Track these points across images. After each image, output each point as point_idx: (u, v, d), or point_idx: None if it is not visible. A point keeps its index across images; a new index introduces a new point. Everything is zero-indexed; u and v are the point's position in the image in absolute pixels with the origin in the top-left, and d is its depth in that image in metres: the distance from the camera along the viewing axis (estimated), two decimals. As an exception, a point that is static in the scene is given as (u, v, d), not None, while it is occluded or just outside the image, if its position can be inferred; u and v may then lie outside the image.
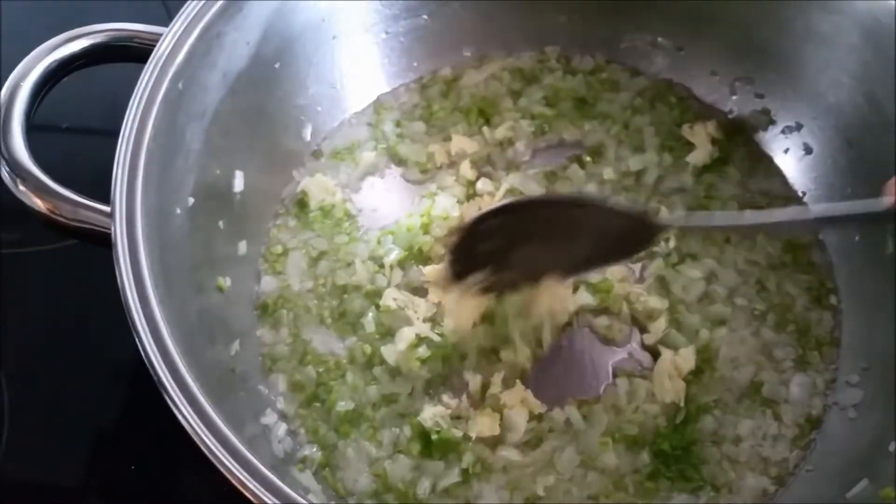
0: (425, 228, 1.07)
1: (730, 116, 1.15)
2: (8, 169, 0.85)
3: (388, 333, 1.00)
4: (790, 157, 1.11)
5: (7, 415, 1.01)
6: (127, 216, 0.79)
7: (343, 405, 0.96)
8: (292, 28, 1.04)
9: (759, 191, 1.10)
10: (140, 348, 0.73)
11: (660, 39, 1.17)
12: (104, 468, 1.00)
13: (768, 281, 1.03)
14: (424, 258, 1.05)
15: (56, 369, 1.05)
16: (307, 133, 1.13)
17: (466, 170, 1.12)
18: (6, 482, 0.98)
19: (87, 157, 1.17)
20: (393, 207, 1.11)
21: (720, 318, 1.01)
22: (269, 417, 0.94)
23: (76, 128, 1.23)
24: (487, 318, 0.98)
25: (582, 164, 1.12)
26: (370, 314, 1.01)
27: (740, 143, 1.13)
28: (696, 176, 1.11)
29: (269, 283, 1.05)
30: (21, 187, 0.85)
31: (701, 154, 1.11)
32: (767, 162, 1.12)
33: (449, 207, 1.08)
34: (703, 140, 1.11)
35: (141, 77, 0.87)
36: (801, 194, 1.10)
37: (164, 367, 0.72)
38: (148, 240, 0.79)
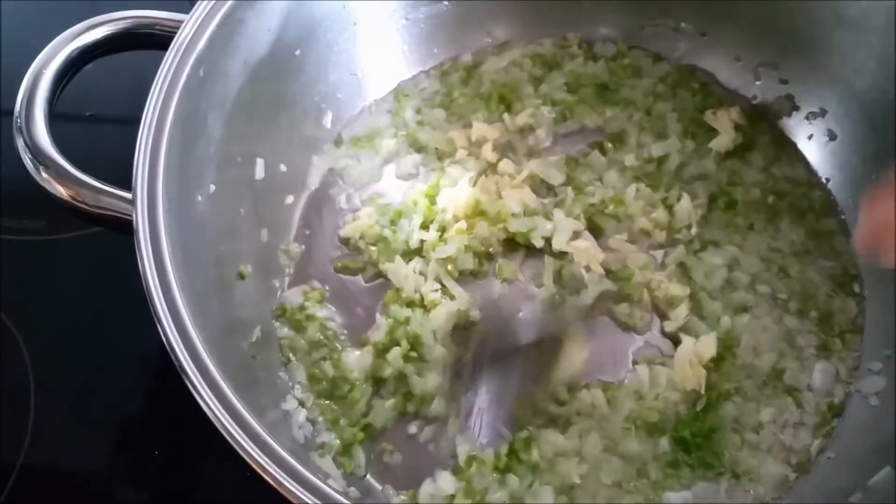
0: (431, 200, 1.07)
1: (753, 102, 1.14)
2: (31, 156, 0.85)
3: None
4: (814, 144, 1.10)
5: (33, 401, 1.02)
6: (148, 203, 0.80)
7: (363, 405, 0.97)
8: (313, 14, 1.04)
9: (783, 177, 1.09)
10: (162, 335, 0.73)
11: (682, 24, 1.15)
12: (128, 454, 1.01)
13: (791, 268, 1.02)
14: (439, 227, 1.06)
15: (81, 356, 1.06)
16: (328, 120, 1.13)
17: (488, 152, 1.11)
18: (32, 468, 0.99)
19: (110, 145, 1.17)
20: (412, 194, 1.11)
21: (742, 306, 1.00)
22: (290, 403, 0.95)
23: (99, 116, 1.23)
24: None
25: (603, 151, 1.12)
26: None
27: (764, 129, 1.12)
28: (719, 162, 1.09)
29: (294, 294, 1.04)
30: (44, 174, 0.85)
31: (724, 140, 1.09)
32: (791, 148, 1.11)
33: (457, 177, 1.08)
34: (726, 126, 1.10)
35: (162, 64, 0.87)
36: (825, 181, 1.08)
37: (185, 353, 0.72)
38: (169, 227, 0.80)
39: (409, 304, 1.01)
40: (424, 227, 1.06)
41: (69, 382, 1.05)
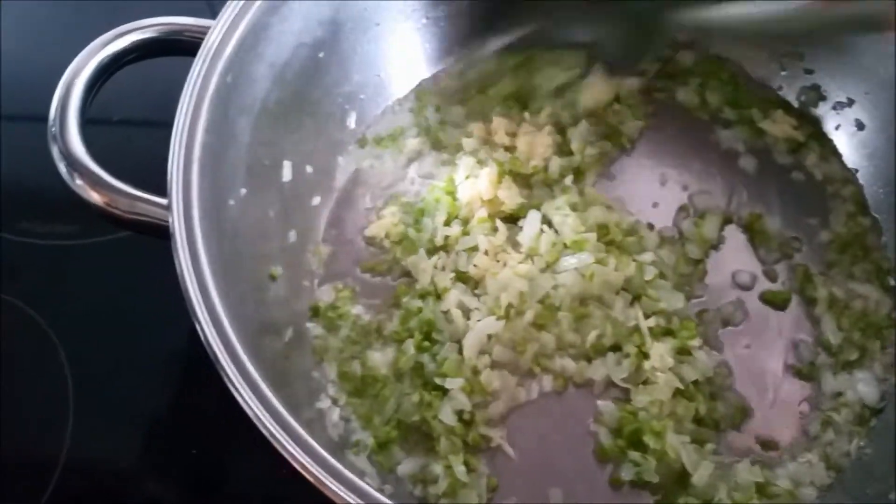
0: (452, 195, 1.07)
1: (779, 93, 1.13)
2: (65, 164, 0.86)
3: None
4: (842, 134, 1.09)
5: (72, 402, 1.04)
6: (184, 208, 0.81)
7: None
8: (336, 17, 1.05)
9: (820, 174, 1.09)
10: (202, 338, 0.74)
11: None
12: (163, 451, 1.03)
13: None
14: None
15: (116, 356, 1.08)
16: (351, 121, 1.14)
17: (502, 137, 1.12)
18: (74, 465, 1.01)
19: (136, 149, 1.19)
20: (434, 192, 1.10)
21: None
22: (323, 402, 0.96)
23: (126, 120, 1.25)
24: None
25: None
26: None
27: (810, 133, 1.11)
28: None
29: (325, 293, 1.05)
30: (78, 181, 0.86)
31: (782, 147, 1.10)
32: (826, 142, 1.10)
33: (471, 166, 1.09)
34: (784, 131, 1.10)
35: (191, 71, 0.88)
36: (854, 171, 1.08)
37: (226, 356, 0.73)
38: (205, 231, 0.81)
39: (423, 295, 1.02)
40: (447, 223, 1.06)
41: (105, 382, 1.06)
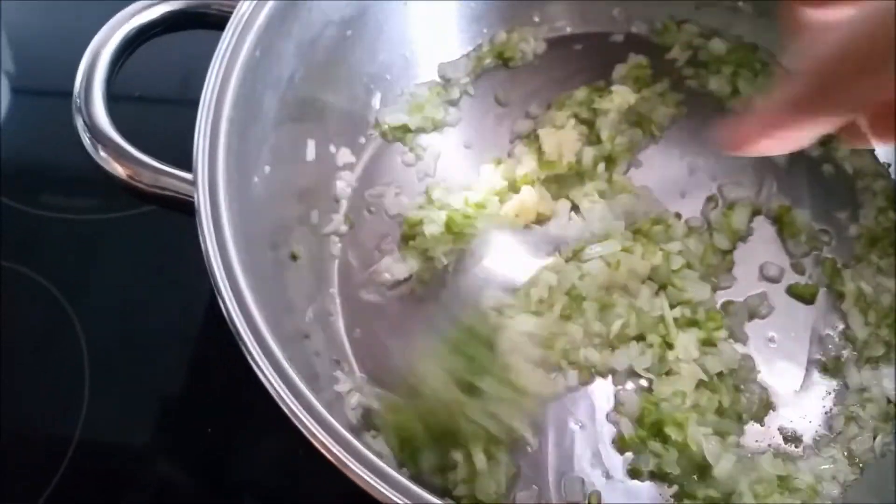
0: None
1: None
2: (89, 135, 0.86)
3: None
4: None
5: (88, 378, 1.04)
6: (209, 184, 0.80)
7: None
8: (365, -6, 1.04)
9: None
10: (225, 314, 0.73)
11: (740, 4, 1.13)
12: (177, 431, 1.03)
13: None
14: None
15: (134, 333, 1.08)
16: (376, 101, 1.13)
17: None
18: (89, 443, 1.01)
19: (158, 126, 1.18)
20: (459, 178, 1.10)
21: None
22: (343, 385, 0.95)
23: (147, 97, 1.24)
24: None
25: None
26: None
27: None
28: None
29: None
30: (102, 153, 0.86)
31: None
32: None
33: (490, 173, 1.08)
34: None
35: (219, 44, 0.87)
36: (887, 165, 1.06)
37: (248, 333, 0.72)
38: (230, 208, 0.80)
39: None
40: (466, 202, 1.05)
41: (122, 359, 1.06)
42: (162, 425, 1.02)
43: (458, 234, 1.01)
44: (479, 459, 0.88)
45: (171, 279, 1.10)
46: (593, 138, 1.09)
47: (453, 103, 1.16)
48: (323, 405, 0.72)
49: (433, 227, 1.02)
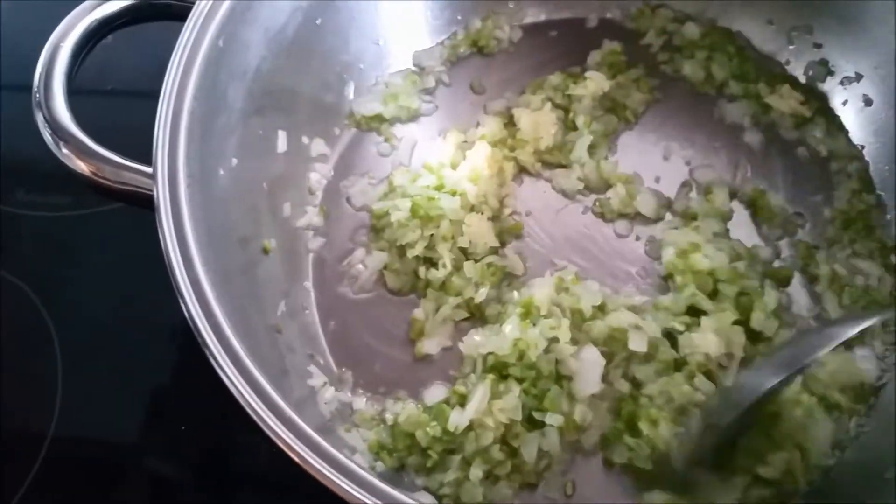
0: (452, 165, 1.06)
1: (787, 67, 1.11)
2: (50, 131, 0.85)
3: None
4: (849, 109, 1.07)
5: (60, 375, 1.03)
6: (170, 177, 0.79)
7: None
8: (335, -18, 1.02)
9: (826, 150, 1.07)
10: (184, 309, 0.73)
11: (715, -13, 1.13)
12: (156, 428, 1.01)
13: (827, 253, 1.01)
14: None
15: (108, 329, 1.07)
16: (350, 91, 1.12)
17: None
18: (61, 439, 1.00)
19: (132, 119, 1.16)
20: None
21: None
22: (317, 380, 0.94)
23: (120, 90, 1.23)
24: None
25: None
26: None
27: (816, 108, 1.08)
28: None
29: None
30: (64, 150, 0.85)
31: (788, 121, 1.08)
32: (833, 117, 1.08)
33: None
34: (790, 106, 1.07)
35: (181, 35, 0.86)
36: (860, 147, 1.05)
37: (208, 328, 0.71)
38: (191, 201, 0.79)
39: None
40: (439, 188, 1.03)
41: (96, 355, 1.05)
42: (137, 421, 1.01)
43: (425, 217, 0.99)
44: (475, 474, 0.87)
45: (151, 274, 1.09)
46: (570, 124, 1.08)
47: (428, 92, 1.15)
48: (294, 402, 0.72)
49: (399, 214, 1.01)
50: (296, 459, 0.66)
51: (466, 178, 1.03)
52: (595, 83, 1.08)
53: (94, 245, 1.13)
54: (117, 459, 1.00)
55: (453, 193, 1.01)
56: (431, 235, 0.99)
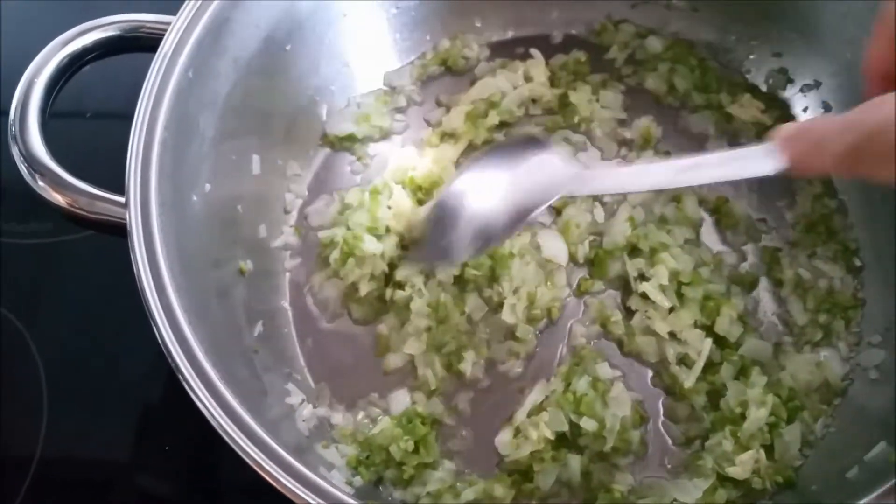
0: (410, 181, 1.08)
1: (747, 76, 1.13)
2: (26, 165, 0.87)
3: None
4: (809, 116, 1.09)
5: (46, 400, 1.04)
6: (142, 206, 0.81)
7: None
8: (301, 9, 1.04)
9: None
10: (157, 335, 0.75)
11: (674, 1, 1.15)
12: (144, 446, 1.03)
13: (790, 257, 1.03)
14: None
15: (92, 353, 1.08)
16: (322, 112, 1.14)
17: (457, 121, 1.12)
18: (48, 461, 1.02)
19: (114, 145, 1.19)
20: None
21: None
22: (295, 398, 0.96)
23: (102, 114, 1.24)
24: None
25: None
26: None
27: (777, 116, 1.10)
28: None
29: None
30: (40, 182, 0.86)
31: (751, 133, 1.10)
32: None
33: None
34: (751, 115, 1.09)
35: (150, 68, 0.88)
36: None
37: (181, 353, 0.73)
38: (164, 228, 0.81)
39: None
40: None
41: (81, 379, 1.06)
42: (138, 438, 1.03)
43: (360, 257, 1.01)
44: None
45: (129, 299, 1.10)
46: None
47: (400, 110, 1.17)
48: (271, 421, 0.74)
49: (336, 253, 1.02)
50: (269, 480, 0.68)
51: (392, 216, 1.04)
52: (535, 66, 1.13)
53: (77, 270, 1.14)
54: (106, 478, 1.02)
55: (383, 233, 1.03)
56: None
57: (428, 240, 0.96)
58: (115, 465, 1.02)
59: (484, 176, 0.89)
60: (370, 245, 1.01)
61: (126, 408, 1.05)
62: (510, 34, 1.20)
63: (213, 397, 0.71)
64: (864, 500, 0.69)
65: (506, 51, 1.19)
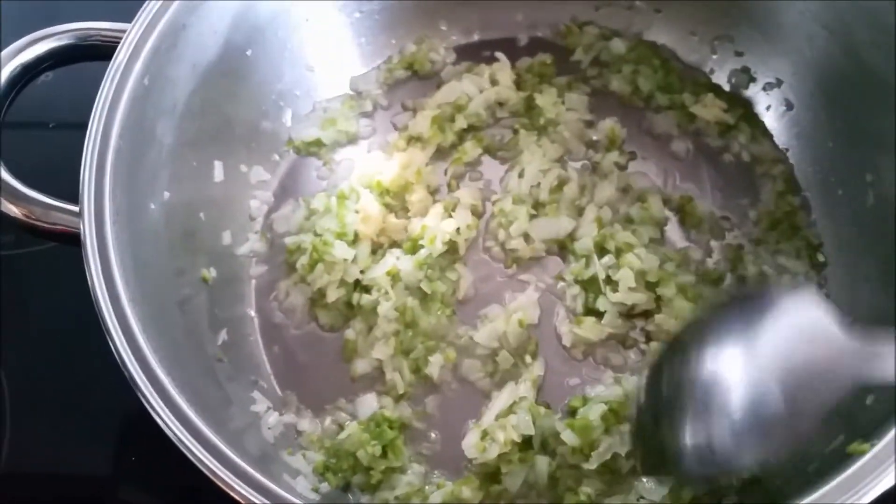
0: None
1: (711, 76, 1.14)
2: (-20, 179, 0.85)
3: None
4: (772, 114, 1.10)
5: (8, 413, 1.03)
6: (95, 215, 0.80)
7: None
8: (261, 14, 1.04)
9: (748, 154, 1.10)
10: (112, 347, 0.74)
11: (637, 2, 1.15)
12: (107, 462, 1.02)
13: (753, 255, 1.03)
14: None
15: (57, 366, 1.07)
16: (287, 118, 1.13)
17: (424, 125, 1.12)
18: (11, 476, 1.00)
19: (75, 156, 1.18)
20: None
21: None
22: (260, 405, 0.95)
23: (65, 124, 1.23)
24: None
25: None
26: None
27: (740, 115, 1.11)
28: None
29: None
30: (-4, 195, 0.85)
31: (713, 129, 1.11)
32: (757, 122, 1.11)
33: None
34: (714, 115, 1.10)
35: (105, 76, 0.87)
36: (785, 150, 1.09)
37: (135, 363, 0.72)
38: (119, 237, 0.80)
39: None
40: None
41: (44, 395, 1.05)
42: (93, 456, 1.02)
43: (329, 263, 1.00)
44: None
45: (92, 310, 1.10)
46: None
47: (366, 115, 1.16)
48: (235, 430, 0.74)
49: (304, 258, 1.02)
50: (226, 490, 0.68)
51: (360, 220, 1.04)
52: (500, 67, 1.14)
53: (40, 281, 1.13)
54: (72, 493, 1.01)
55: (353, 239, 1.03)
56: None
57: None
58: (81, 479, 1.01)
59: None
60: (340, 251, 1.00)
61: (96, 419, 1.04)
62: (476, 37, 1.20)
63: (168, 407, 0.70)
64: (823, 490, 0.68)
65: (472, 54, 1.19)
